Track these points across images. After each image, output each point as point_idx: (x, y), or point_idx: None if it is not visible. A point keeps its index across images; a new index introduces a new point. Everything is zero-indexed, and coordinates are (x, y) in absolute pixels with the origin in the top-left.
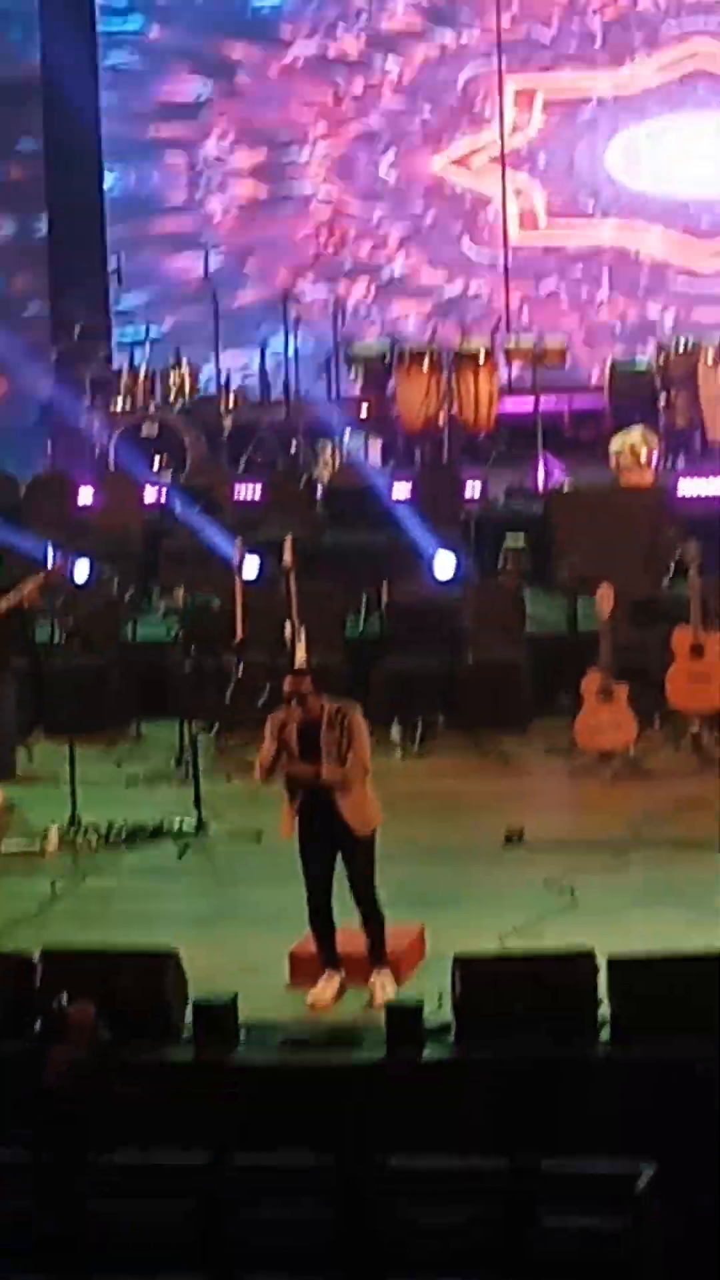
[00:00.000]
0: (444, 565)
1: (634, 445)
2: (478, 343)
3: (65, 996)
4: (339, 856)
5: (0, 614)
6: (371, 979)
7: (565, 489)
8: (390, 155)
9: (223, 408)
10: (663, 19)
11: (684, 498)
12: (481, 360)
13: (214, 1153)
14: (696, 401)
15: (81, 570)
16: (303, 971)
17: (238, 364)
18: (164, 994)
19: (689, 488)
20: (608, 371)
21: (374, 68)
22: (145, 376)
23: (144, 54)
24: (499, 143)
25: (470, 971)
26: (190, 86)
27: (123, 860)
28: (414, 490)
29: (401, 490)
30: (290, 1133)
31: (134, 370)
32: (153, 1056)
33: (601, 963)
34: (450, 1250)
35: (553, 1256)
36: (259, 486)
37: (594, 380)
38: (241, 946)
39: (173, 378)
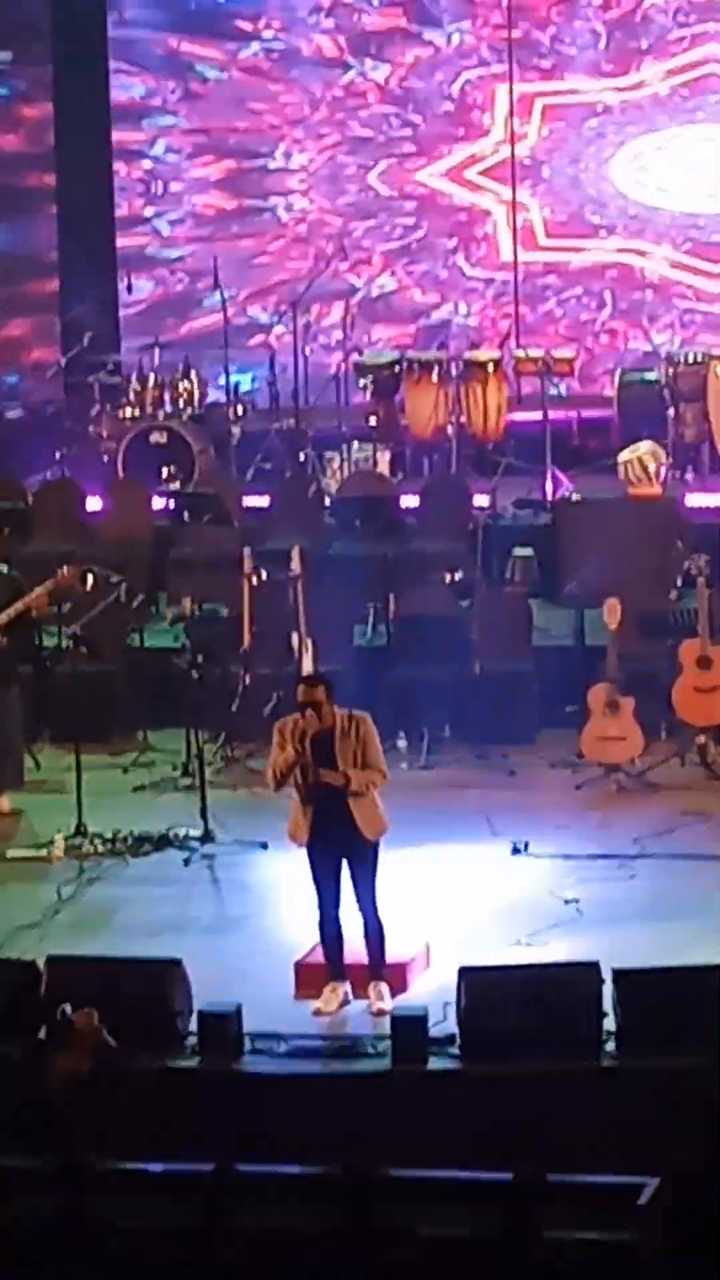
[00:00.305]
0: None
1: (643, 458)
2: (487, 353)
3: (69, 1005)
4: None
5: (8, 621)
6: (369, 990)
7: (574, 500)
8: (376, 165)
9: (231, 416)
10: (672, 22)
11: (693, 510)
12: (491, 370)
13: (217, 1162)
14: (706, 414)
15: (89, 578)
16: (308, 981)
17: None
18: (169, 1002)
19: (698, 500)
20: (617, 383)
21: (355, 70)
22: (154, 385)
23: None
24: (496, 153)
25: (475, 983)
26: (138, 86)
27: (128, 868)
28: (422, 500)
29: (410, 500)
30: (294, 1142)
31: (143, 378)
32: (157, 1065)
33: (607, 975)
34: (453, 1262)
35: (556, 1269)
36: (267, 495)
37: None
38: (246, 956)
39: (181, 386)
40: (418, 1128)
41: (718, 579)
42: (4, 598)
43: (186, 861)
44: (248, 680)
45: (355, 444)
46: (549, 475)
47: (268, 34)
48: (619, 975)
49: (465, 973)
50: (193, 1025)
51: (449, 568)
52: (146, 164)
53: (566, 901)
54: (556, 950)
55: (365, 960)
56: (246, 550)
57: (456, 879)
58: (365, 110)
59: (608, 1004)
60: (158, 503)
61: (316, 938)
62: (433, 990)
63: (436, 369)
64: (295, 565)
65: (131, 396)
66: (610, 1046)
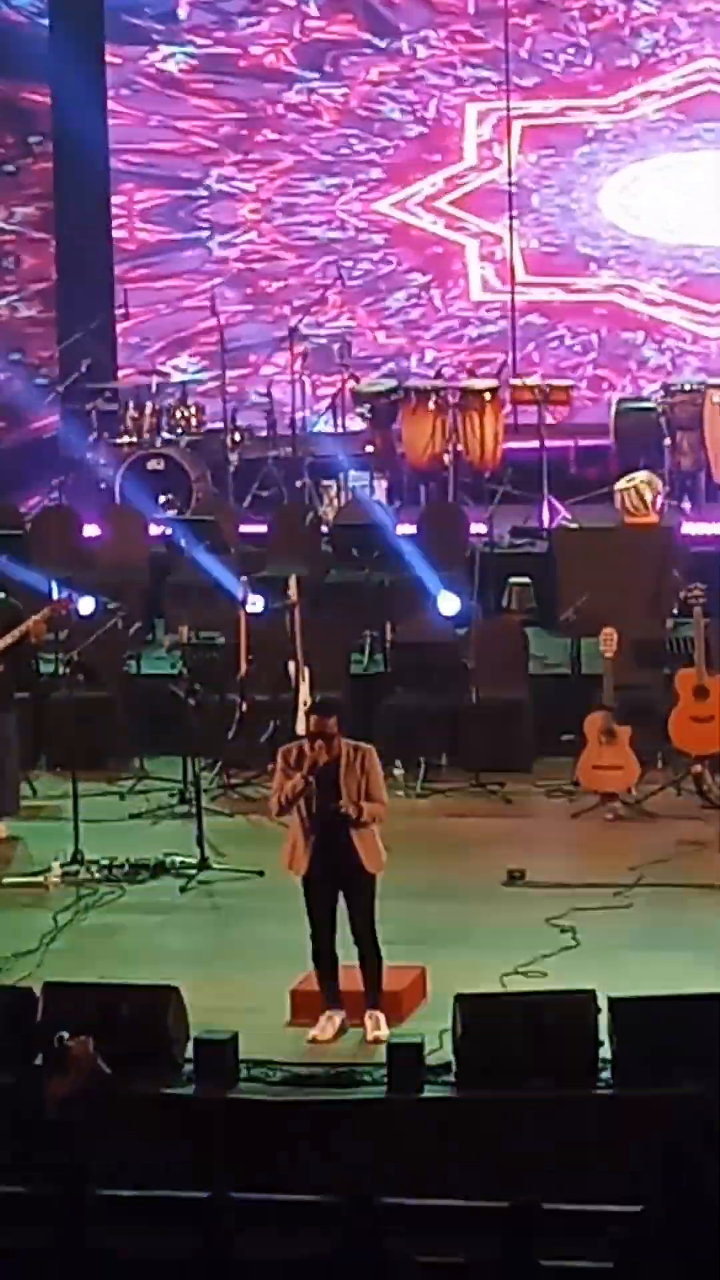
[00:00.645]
0: (448, 603)
1: (640, 487)
2: (484, 382)
3: (65, 1032)
4: (341, 896)
5: (5, 648)
6: (365, 1018)
7: (570, 529)
8: (334, 194)
9: (229, 443)
10: (665, 34)
11: (689, 539)
12: (487, 399)
13: (213, 1190)
14: (703, 443)
15: (86, 604)
16: (304, 1009)
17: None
18: (165, 1029)
19: (694, 529)
20: (613, 412)
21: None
22: (152, 411)
23: None
24: (465, 181)
25: (471, 1011)
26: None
27: (125, 895)
28: (419, 528)
29: (406, 528)
30: (290, 1170)
31: (140, 404)
32: (153, 1091)
33: (603, 1003)
34: None
35: None
36: (265, 523)
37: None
38: (243, 983)
39: (179, 412)
40: (414, 1156)
41: (714, 608)
42: (1, 624)
43: (183, 889)
44: (245, 707)
45: (352, 472)
46: (546, 503)
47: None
48: (615, 1004)
49: (461, 1001)
50: (189, 1052)
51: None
52: None
53: (563, 930)
54: (553, 979)
55: (361, 988)
56: (243, 577)
57: (452, 907)
58: (320, 132)
59: (604, 1033)
60: (155, 529)
61: (312, 965)
62: (429, 1018)
63: (434, 397)
64: (292, 593)
65: (129, 423)
66: (606, 1075)
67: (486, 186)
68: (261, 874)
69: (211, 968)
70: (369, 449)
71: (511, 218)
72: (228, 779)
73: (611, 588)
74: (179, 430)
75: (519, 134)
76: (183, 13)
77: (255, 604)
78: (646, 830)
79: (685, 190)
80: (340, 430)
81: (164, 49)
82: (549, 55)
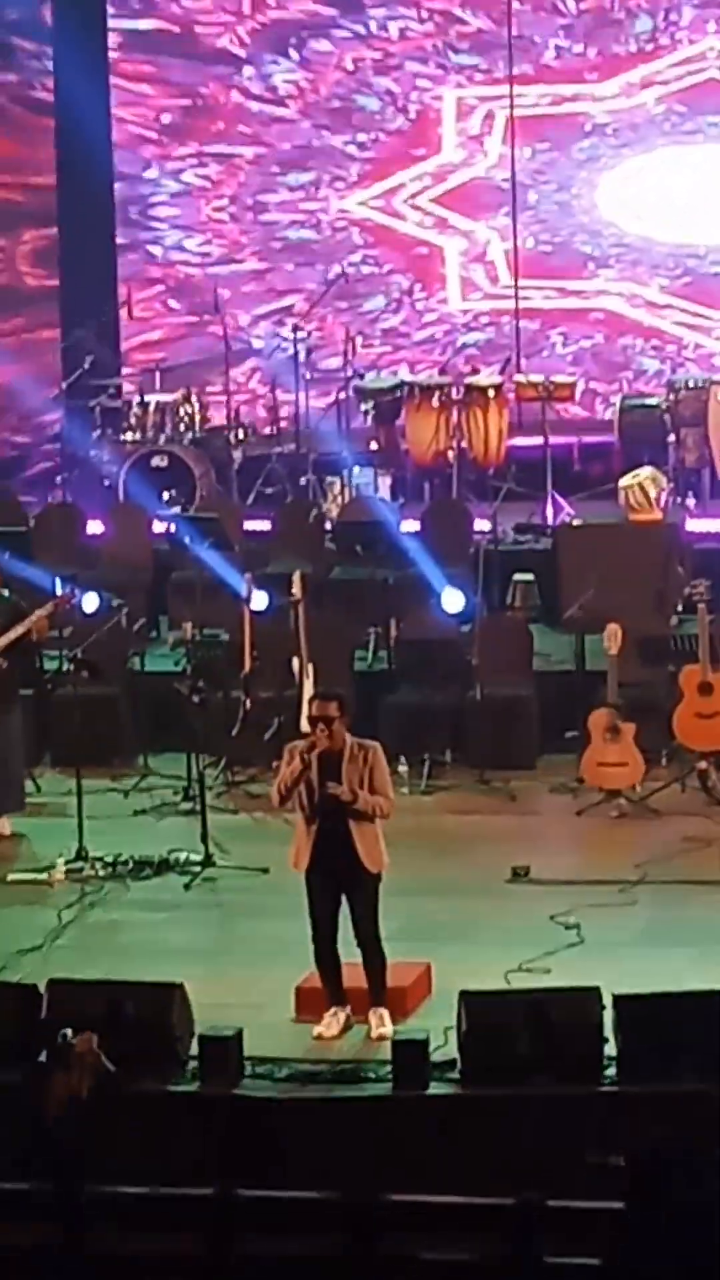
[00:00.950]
0: (452, 600)
1: (644, 483)
2: (488, 378)
3: (69, 1029)
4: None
5: (8, 644)
6: (370, 1015)
7: (574, 525)
8: (294, 192)
9: (233, 440)
10: (662, 14)
11: (693, 535)
12: (491, 395)
13: (217, 1186)
14: (707, 439)
15: (90, 601)
16: (309, 1006)
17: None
18: (170, 1026)
19: (698, 526)
20: (618, 409)
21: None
22: (155, 408)
23: None
24: (444, 176)
25: (476, 1008)
26: None
27: (129, 892)
28: (423, 525)
29: (410, 525)
30: (295, 1167)
31: (144, 402)
32: (158, 1088)
33: (607, 1000)
34: None
35: None
36: (268, 520)
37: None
38: (247, 980)
39: (183, 410)
40: (419, 1153)
41: (718, 604)
42: (5, 621)
43: (187, 886)
44: (248, 704)
45: (356, 469)
46: (550, 500)
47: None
48: (619, 1000)
49: (466, 998)
50: (193, 1049)
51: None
52: None
53: (567, 927)
54: (557, 975)
55: (365, 985)
56: (247, 575)
57: (457, 904)
58: (280, 124)
59: (608, 1029)
60: (158, 526)
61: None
62: (434, 1015)
63: (437, 394)
64: (296, 589)
65: (132, 420)
66: (611, 1072)
67: (474, 182)
68: (266, 871)
69: (216, 964)
70: (373, 446)
71: (515, 212)
72: (232, 776)
73: (616, 584)
74: (183, 427)
75: (502, 123)
76: None
77: (259, 601)
78: (651, 827)
79: (689, 186)
80: (344, 427)
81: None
82: (538, 40)
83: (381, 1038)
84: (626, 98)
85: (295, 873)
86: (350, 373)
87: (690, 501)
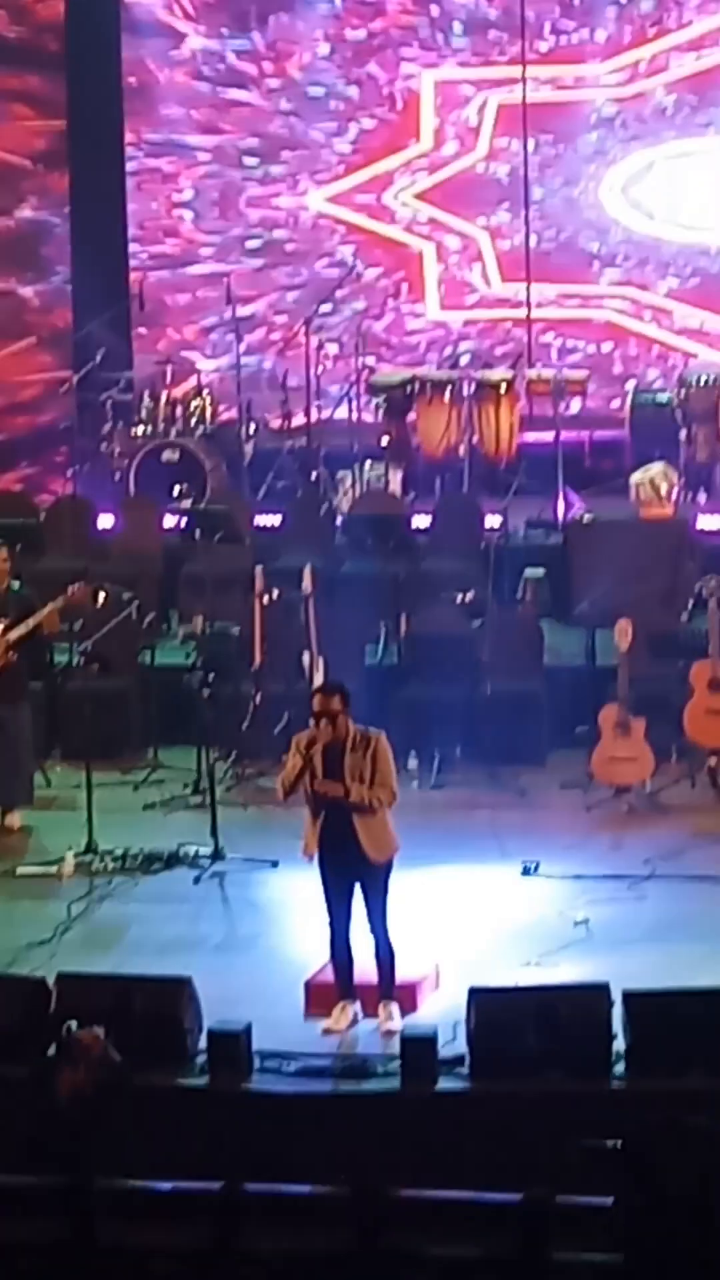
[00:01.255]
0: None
1: (655, 479)
2: (499, 373)
3: (75, 1022)
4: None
5: (19, 638)
6: (379, 1009)
7: (585, 521)
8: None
9: (244, 434)
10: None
11: (704, 532)
12: (503, 391)
13: (225, 1181)
14: (718, 436)
15: (100, 595)
16: (318, 1001)
17: None
18: (178, 1020)
19: (709, 522)
20: (629, 405)
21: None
22: (166, 402)
23: None
24: (426, 169)
25: (485, 1004)
26: None
27: (138, 886)
28: (434, 520)
29: (421, 520)
30: (303, 1162)
31: (155, 396)
32: (166, 1083)
33: (617, 996)
34: None
35: None
36: (279, 514)
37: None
38: (256, 974)
39: (194, 404)
40: (427, 1148)
41: None
42: (16, 615)
43: (197, 879)
44: (259, 698)
45: (368, 463)
46: (561, 496)
47: None
48: (629, 996)
49: (475, 993)
50: (202, 1044)
51: (461, 588)
52: None
53: (577, 922)
54: (566, 971)
55: (375, 980)
56: (258, 568)
57: (466, 899)
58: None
59: (617, 1025)
60: (169, 520)
61: (327, 956)
62: (442, 1010)
63: (449, 389)
64: (307, 584)
65: (143, 414)
66: (620, 1068)
67: (467, 176)
68: (275, 865)
69: (225, 959)
70: (384, 440)
71: (526, 206)
72: (242, 770)
73: (627, 580)
74: (193, 421)
75: (494, 114)
76: None
77: (270, 595)
78: (661, 823)
79: (700, 181)
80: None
81: None
82: (532, 16)
83: (390, 1033)
84: (632, 80)
85: (305, 867)
86: (361, 366)
87: (701, 497)
